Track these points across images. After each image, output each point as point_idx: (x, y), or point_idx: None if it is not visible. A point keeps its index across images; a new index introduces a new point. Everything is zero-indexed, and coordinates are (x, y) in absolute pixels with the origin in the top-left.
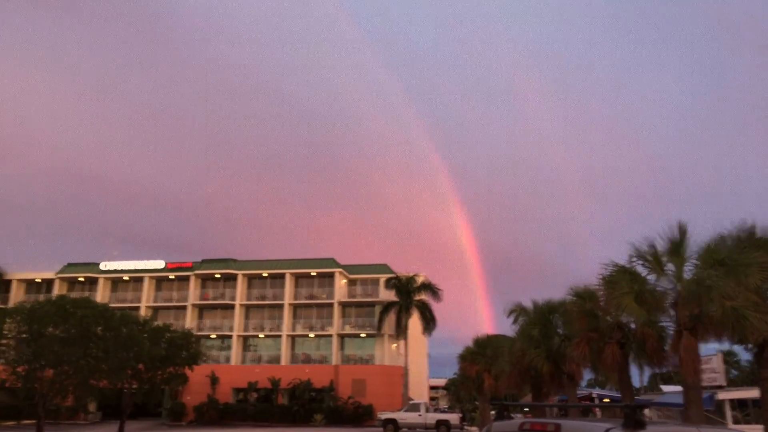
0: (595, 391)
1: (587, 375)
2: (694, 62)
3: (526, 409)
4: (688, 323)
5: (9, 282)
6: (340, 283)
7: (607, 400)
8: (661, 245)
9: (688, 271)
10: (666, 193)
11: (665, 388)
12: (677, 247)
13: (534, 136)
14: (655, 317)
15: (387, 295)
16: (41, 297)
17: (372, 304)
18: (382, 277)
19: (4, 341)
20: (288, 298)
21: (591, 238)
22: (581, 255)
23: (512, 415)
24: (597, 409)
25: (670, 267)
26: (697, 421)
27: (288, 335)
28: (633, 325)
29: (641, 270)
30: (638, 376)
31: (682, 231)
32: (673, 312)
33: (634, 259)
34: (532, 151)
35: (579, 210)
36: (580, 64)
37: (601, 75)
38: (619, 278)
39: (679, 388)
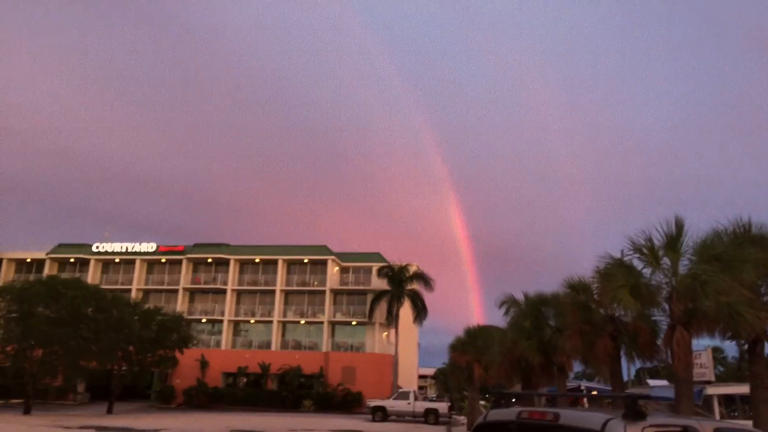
0: (583, 383)
1: (576, 367)
2: (695, 63)
3: (514, 400)
4: (682, 318)
5: None
6: (333, 270)
7: (594, 392)
8: (657, 239)
9: (683, 265)
10: (663, 188)
11: (651, 382)
12: (674, 241)
13: (533, 131)
14: (648, 311)
15: (379, 283)
16: (31, 277)
17: (364, 293)
18: (375, 266)
19: None
20: (280, 284)
21: (584, 232)
22: (573, 249)
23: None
24: (584, 400)
25: (666, 261)
26: (689, 415)
27: (279, 321)
28: (626, 319)
29: (637, 263)
30: (626, 369)
31: (679, 226)
32: (667, 306)
33: (630, 252)
34: (530, 145)
35: (574, 205)
36: (583, 58)
37: (603, 69)
38: (615, 271)
39: (665, 382)
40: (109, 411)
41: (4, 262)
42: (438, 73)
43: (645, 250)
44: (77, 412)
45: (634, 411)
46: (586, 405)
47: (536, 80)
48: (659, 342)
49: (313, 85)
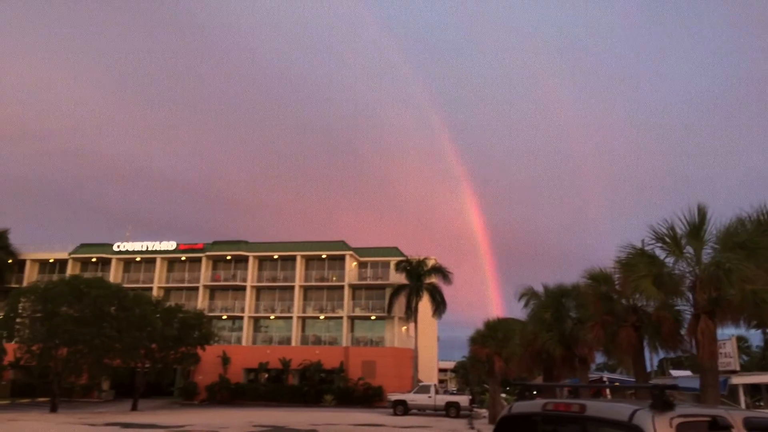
0: (606, 375)
1: (598, 359)
2: (716, 48)
3: (535, 392)
4: (706, 307)
5: (23, 262)
6: (351, 265)
7: (617, 384)
8: (680, 228)
9: (707, 254)
10: (683, 178)
11: (674, 372)
12: (697, 229)
13: (549, 122)
14: (671, 300)
15: (397, 278)
16: (55, 277)
17: (382, 287)
18: (393, 260)
19: (18, 320)
20: (299, 280)
21: (602, 223)
22: (592, 240)
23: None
24: (606, 391)
25: (688, 250)
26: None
27: (298, 317)
28: (649, 309)
29: (659, 253)
30: (649, 360)
31: (702, 214)
32: (691, 295)
33: (652, 241)
34: (546, 137)
35: (591, 196)
36: (600, 50)
37: (620, 60)
38: (637, 261)
39: (688, 373)
40: (134, 408)
41: (28, 263)
42: (452, 68)
43: (667, 239)
44: (102, 409)
45: (661, 401)
46: (609, 396)
47: (551, 74)
48: (683, 332)
49: (328, 83)
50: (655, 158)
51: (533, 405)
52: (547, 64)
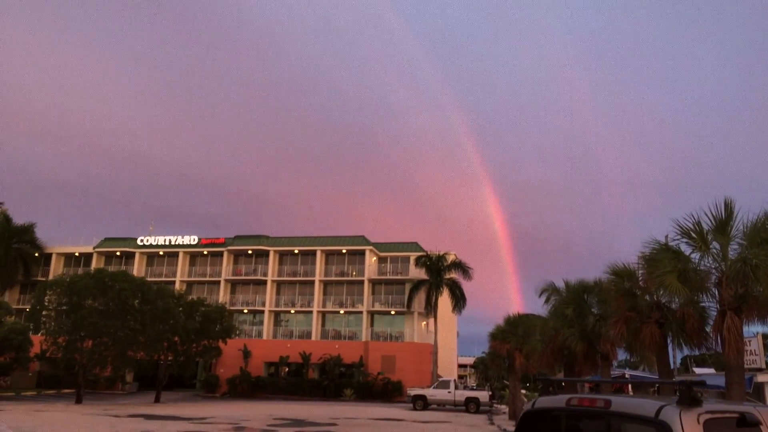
0: (627, 372)
1: (620, 355)
2: (740, 46)
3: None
4: (733, 303)
5: (49, 256)
6: (371, 260)
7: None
8: (706, 223)
9: (733, 250)
10: (706, 175)
11: (698, 370)
12: (723, 225)
13: (570, 118)
14: (696, 297)
15: (417, 273)
16: (80, 270)
17: (402, 282)
18: (412, 255)
19: (45, 312)
20: (319, 275)
21: (623, 218)
22: (612, 235)
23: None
24: (629, 388)
25: (715, 245)
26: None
27: (318, 311)
28: (673, 305)
29: (684, 248)
30: (672, 357)
31: (729, 209)
32: (717, 292)
33: (678, 236)
34: (568, 133)
35: (612, 190)
36: (622, 46)
37: (644, 55)
38: (662, 256)
39: (711, 370)
40: (157, 400)
41: (54, 257)
42: (470, 60)
43: (693, 234)
44: (126, 401)
45: (689, 397)
46: (631, 393)
47: (571, 63)
48: (708, 329)
49: (348, 78)
50: (678, 154)
51: (557, 400)
52: (565, 53)
